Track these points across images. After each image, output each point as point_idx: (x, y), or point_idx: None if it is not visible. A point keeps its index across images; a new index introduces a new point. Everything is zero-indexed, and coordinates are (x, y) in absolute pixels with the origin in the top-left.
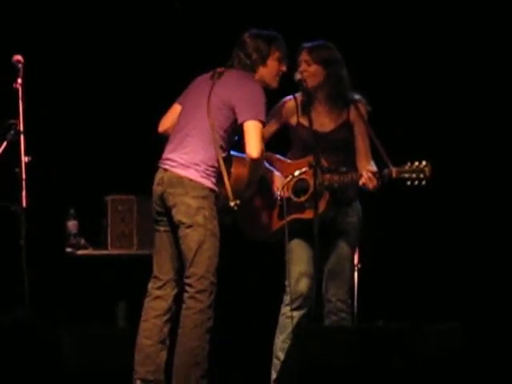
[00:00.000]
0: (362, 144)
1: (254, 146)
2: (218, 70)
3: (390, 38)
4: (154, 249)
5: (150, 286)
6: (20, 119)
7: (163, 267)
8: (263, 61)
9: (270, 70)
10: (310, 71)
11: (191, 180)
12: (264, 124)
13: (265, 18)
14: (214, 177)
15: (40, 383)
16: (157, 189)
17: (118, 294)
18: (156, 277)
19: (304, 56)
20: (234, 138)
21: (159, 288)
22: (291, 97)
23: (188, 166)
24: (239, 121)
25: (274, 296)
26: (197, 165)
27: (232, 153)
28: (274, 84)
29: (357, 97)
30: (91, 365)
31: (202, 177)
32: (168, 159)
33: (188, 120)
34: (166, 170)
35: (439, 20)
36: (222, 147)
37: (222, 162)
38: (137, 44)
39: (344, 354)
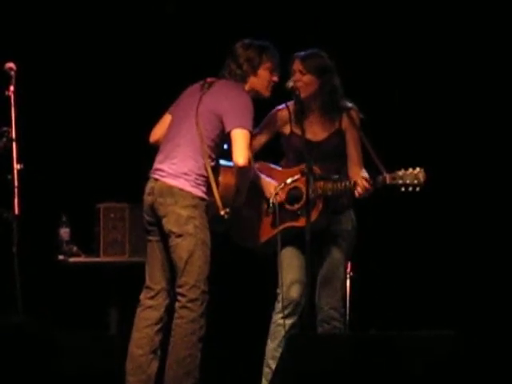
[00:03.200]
0: (354, 152)
1: (240, 154)
2: (208, 80)
3: (382, 44)
4: (146, 259)
5: (142, 296)
6: (12, 127)
7: (155, 277)
8: (254, 71)
9: (261, 80)
10: (303, 81)
11: (181, 189)
12: (251, 133)
13: (257, 26)
14: (204, 186)
15: None
16: (147, 199)
17: (109, 301)
18: (148, 287)
19: (297, 65)
20: (222, 147)
21: (151, 298)
22: (284, 106)
23: (178, 176)
24: (227, 129)
25: (264, 304)
26: (186, 174)
27: (221, 162)
28: (266, 93)
29: (349, 105)
30: (82, 371)
31: (192, 186)
32: (158, 169)
33: (177, 130)
34: (156, 179)
35: (431, 29)
36: (210, 156)
37: (210, 171)
38: (129, 53)
39: (336, 362)
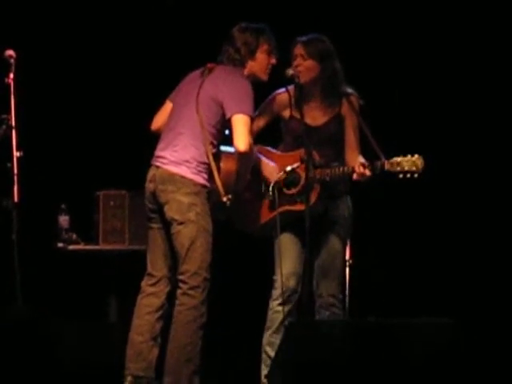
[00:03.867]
0: (352, 137)
1: (241, 140)
2: (208, 66)
3: (383, 30)
4: (148, 246)
5: (143, 283)
6: (12, 114)
7: (156, 264)
8: (252, 54)
9: (259, 63)
10: (305, 65)
11: (183, 177)
12: (252, 118)
13: (256, 13)
14: (206, 173)
15: (31, 378)
16: (149, 186)
17: (109, 289)
18: (150, 274)
19: (299, 50)
20: (223, 133)
21: (152, 285)
22: (284, 89)
23: (179, 163)
24: (227, 115)
25: (262, 291)
26: (188, 162)
27: (222, 148)
28: (264, 77)
29: (349, 90)
30: (82, 359)
31: (194, 173)
32: (160, 156)
33: (178, 117)
34: (157, 167)
35: (431, 15)
36: (211, 143)
37: (211, 158)
38: (128, 40)
39: (335, 349)
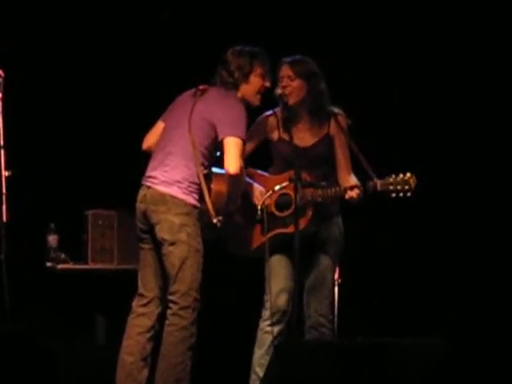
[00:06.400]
0: (342, 157)
1: (232, 162)
2: (201, 87)
3: (368, 49)
4: (139, 266)
5: (134, 303)
6: (0, 133)
7: (148, 285)
8: (246, 78)
9: (252, 87)
10: (293, 86)
11: (173, 197)
12: (244, 142)
13: (249, 33)
14: (197, 193)
15: None
16: (140, 206)
17: (97, 308)
18: (141, 294)
19: (286, 71)
20: (215, 154)
21: (143, 305)
22: (271, 112)
23: (170, 184)
24: (220, 137)
25: (252, 311)
26: (179, 182)
27: (213, 169)
28: (256, 102)
29: (336, 110)
30: (70, 378)
31: (185, 193)
32: (150, 176)
33: (170, 137)
34: (148, 187)
35: (416, 35)
36: (202, 164)
37: (202, 179)
38: (120, 59)
39: (324, 369)
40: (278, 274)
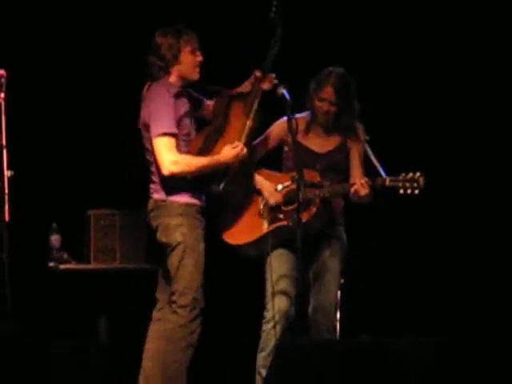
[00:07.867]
0: (356, 167)
1: (162, 165)
2: (145, 87)
3: (374, 54)
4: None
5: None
6: (3, 133)
7: (161, 291)
8: (176, 58)
9: (186, 65)
10: (332, 111)
11: (163, 201)
12: (171, 134)
13: (249, 33)
14: (188, 191)
15: None
16: (148, 217)
17: (100, 308)
18: (157, 299)
19: (330, 95)
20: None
21: (158, 310)
22: (290, 117)
23: (158, 190)
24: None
25: (256, 311)
26: (164, 186)
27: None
28: (195, 76)
29: (357, 124)
30: (72, 379)
31: (174, 194)
32: (149, 187)
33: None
34: (149, 197)
35: (424, 37)
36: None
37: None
38: (122, 61)
39: (327, 370)
40: (280, 274)
